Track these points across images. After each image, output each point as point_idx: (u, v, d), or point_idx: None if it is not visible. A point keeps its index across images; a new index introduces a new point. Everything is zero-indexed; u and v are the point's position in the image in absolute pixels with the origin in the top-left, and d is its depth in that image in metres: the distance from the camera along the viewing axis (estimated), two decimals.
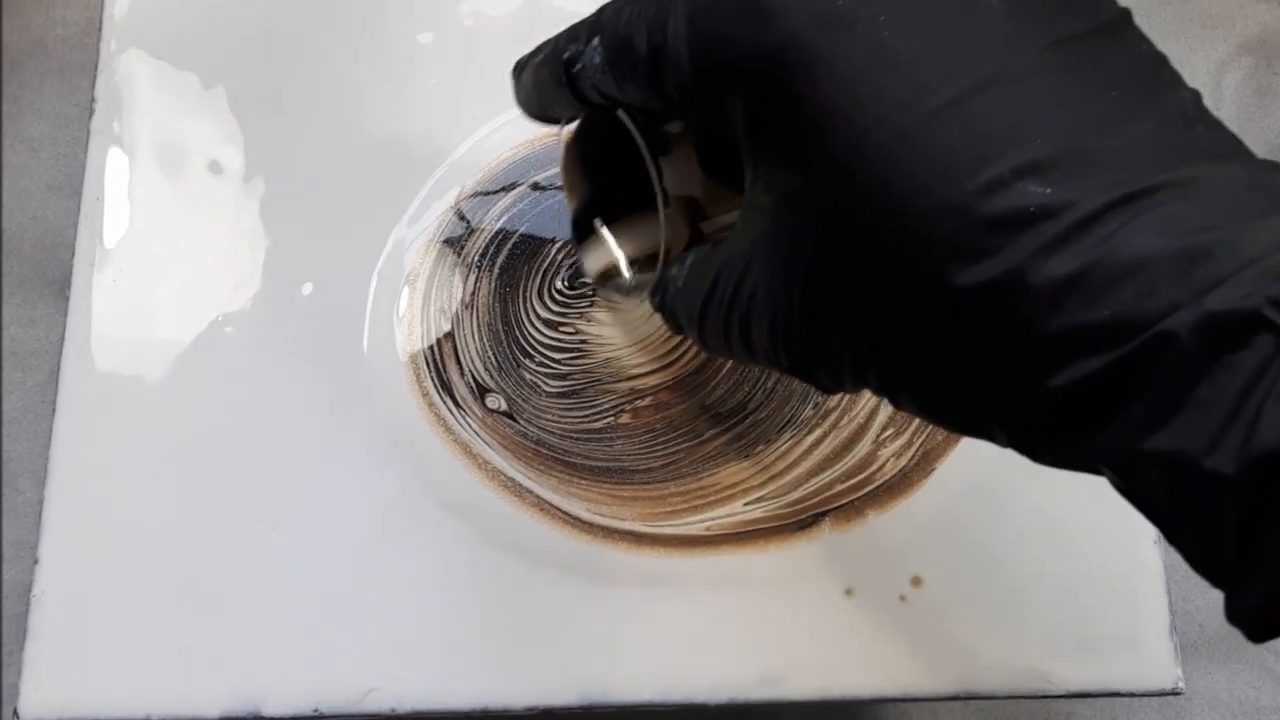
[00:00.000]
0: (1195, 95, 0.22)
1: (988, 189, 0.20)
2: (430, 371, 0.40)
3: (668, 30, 0.24)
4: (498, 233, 0.41)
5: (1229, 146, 0.21)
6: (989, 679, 0.36)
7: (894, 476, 0.39)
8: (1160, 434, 0.19)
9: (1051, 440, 0.21)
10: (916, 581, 0.37)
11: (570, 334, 0.40)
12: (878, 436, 0.39)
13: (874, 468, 0.39)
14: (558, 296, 0.41)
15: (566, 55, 0.27)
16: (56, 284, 0.40)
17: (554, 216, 0.42)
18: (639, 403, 0.40)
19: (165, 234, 0.40)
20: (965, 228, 0.20)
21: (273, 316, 0.39)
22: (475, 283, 0.41)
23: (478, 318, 0.40)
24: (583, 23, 0.27)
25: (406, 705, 0.36)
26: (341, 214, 0.41)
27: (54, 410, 0.38)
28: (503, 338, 0.40)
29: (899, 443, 0.39)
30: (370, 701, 0.36)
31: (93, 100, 0.41)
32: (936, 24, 0.21)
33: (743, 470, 0.39)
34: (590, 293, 0.41)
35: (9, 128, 0.41)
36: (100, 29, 0.42)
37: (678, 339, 0.40)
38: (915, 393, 0.23)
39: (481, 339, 0.40)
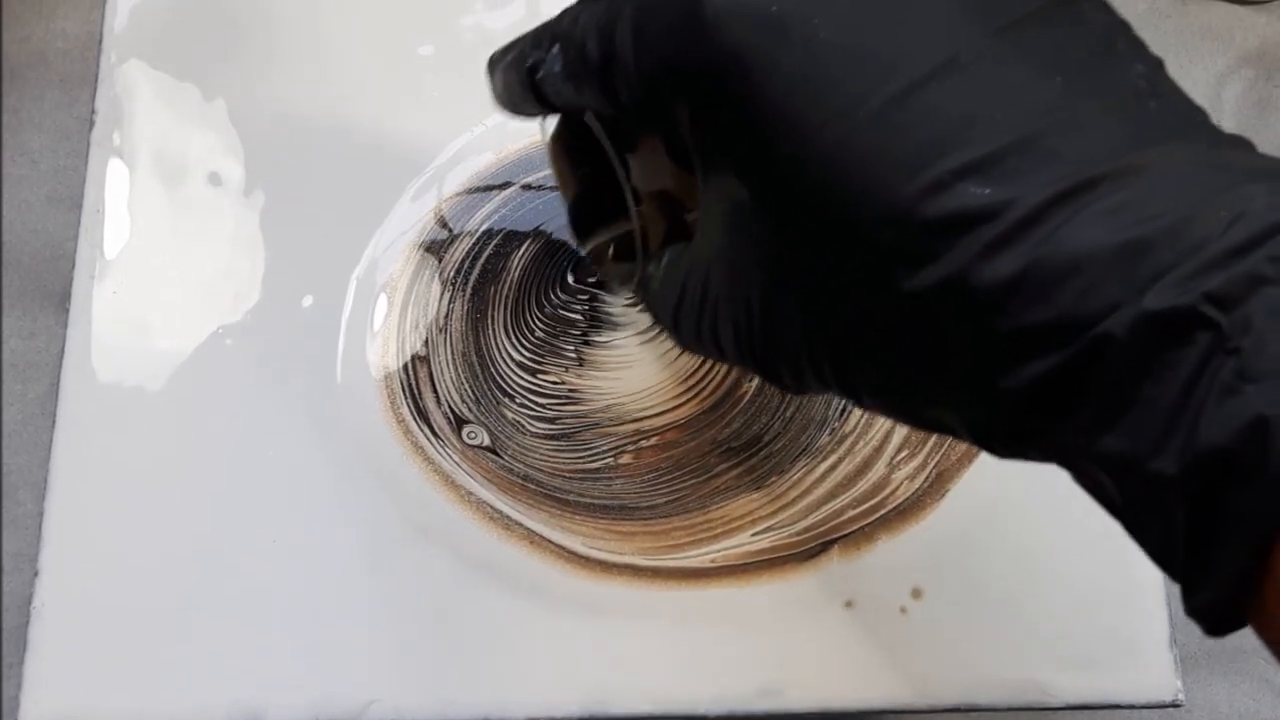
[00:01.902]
0: (1151, 65, 0.21)
1: (928, 192, 0.19)
2: (406, 396, 0.39)
3: (616, 40, 0.24)
4: (476, 241, 0.41)
5: (1184, 121, 0.21)
6: (988, 691, 0.36)
7: (906, 500, 0.38)
8: (1106, 436, 0.19)
9: (1007, 439, 0.21)
10: (916, 594, 0.37)
11: (554, 383, 0.39)
12: (892, 459, 0.39)
13: (886, 491, 0.38)
14: (527, 341, 0.40)
15: (530, 62, 0.27)
16: (56, 296, 0.40)
17: (535, 216, 0.41)
18: (643, 443, 0.39)
19: (165, 246, 0.40)
20: (908, 233, 0.20)
21: (273, 329, 0.39)
22: (449, 303, 0.40)
23: (452, 345, 0.39)
24: (545, 28, 0.27)
25: (407, 717, 0.36)
26: (342, 227, 0.41)
27: (54, 422, 0.38)
28: (478, 371, 0.39)
29: (913, 464, 0.39)
30: (371, 713, 0.36)
31: (93, 112, 0.41)
32: (874, 22, 0.21)
33: (753, 502, 0.38)
34: (571, 349, 0.40)
35: (9, 140, 0.41)
36: (100, 41, 0.42)
37: (692, 381, 0.40)
38: (876, 393, 0.23)
39: (457, 369, 0.39)
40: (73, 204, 0.40)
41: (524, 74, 0.27)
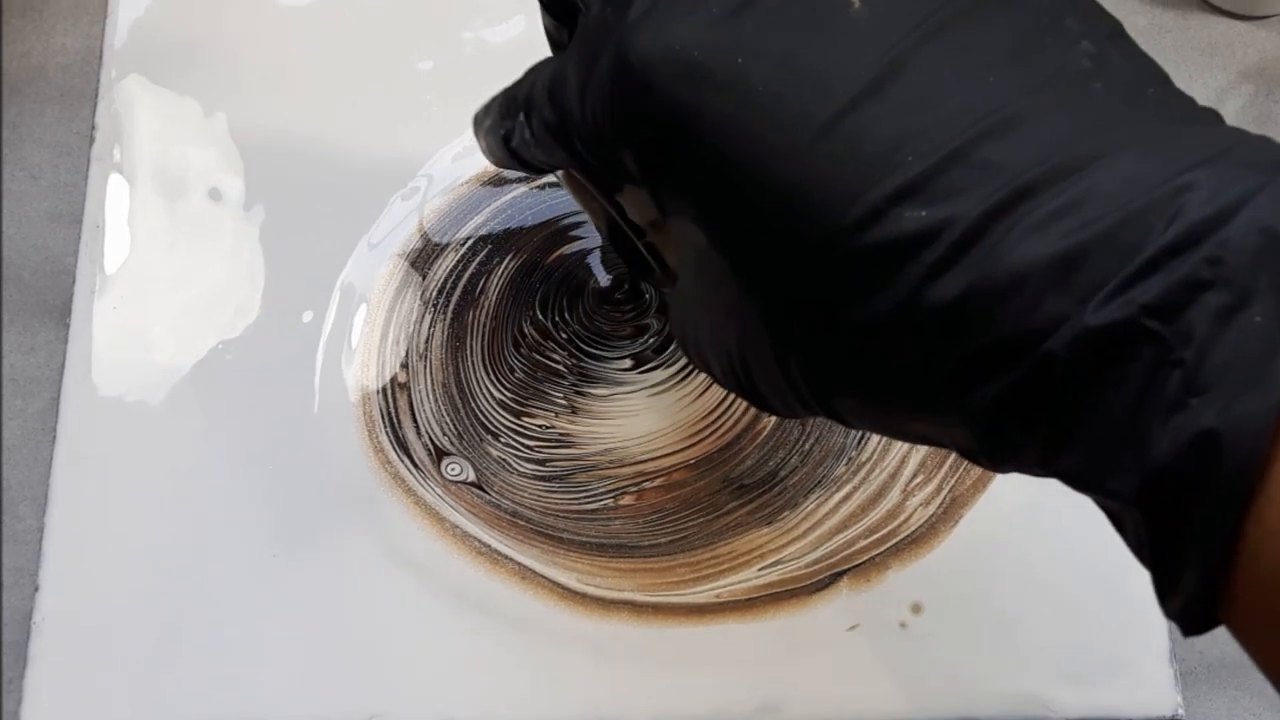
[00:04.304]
0: (1102, 38, 0.20)
1: (865, 222, 0.19)
2: (385, 425, 0.38)
3: (565, 101, 0.24)
4: (461, 257, 0.40)
5: (1132, 100, 0.20)
6: (988, 705, 0.36)
7: (920, 528, 0.37)
8: (1062, 455, 0.19)
9: (988, 453, 0.21)
10: (916, 609, 0.37)
11: (543, 427, 0.38)
12: (907, 484, 0.38)
13: (900, 520, 0.37)
14: (507, 381, 0.39)
15: (503, 132, 0.27)
16: (57, 311, 0.40)
17: (542, 213, 0.40)
18: (646, 484, 0.38)
19: (165, 261, 0.40)
20: (853, 264, 0.19)
21: (273, 344, 0.39)
22: (430, 326, 0.39)
23: (432, 373, 0.38)
24: (511, 95, 0.27)
25: None
26: (342, 241, 0.41)
27: (54, 437, 0.38)
28: (459, 405, 0.38)
29: (928, 489, 0.38)
30: None
31: (93, 128, 0.41)
32: (799, 52, 0.20)
33: (763, 536, 0.37)
34: (560, 396, 0.39)
35: (9, 155, 0.41)
36: (101, 56, 0.42)
37: (708, 420, 0.38)
38: (859, 416, 0.23)
39: (437, 400, 0.38)
40: (73, 219, 0.40)
41: (501, 142, 0.28)
